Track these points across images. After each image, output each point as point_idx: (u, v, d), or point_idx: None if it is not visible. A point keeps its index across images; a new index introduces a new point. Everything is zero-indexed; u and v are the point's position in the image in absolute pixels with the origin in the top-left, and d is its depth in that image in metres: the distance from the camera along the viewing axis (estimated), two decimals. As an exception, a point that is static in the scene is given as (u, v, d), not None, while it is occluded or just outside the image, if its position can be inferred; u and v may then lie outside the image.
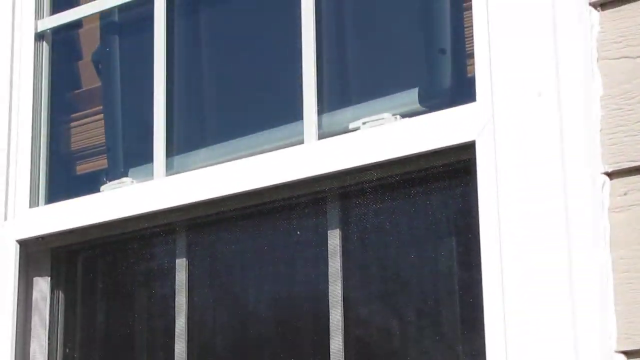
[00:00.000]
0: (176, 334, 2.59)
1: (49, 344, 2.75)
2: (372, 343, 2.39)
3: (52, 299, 2.79)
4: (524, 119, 2.05)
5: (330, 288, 2.38)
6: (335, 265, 2.39)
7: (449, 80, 2.40)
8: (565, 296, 1.94)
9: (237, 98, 2.72)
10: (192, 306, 2.60)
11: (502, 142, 2.07)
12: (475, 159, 2.11)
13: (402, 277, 2.40)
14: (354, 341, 2.35)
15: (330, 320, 2.35)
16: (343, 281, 2.37)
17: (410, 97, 2.39)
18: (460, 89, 2.36)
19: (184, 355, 2.58)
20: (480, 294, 2.05)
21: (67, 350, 2.79)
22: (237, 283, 2.64)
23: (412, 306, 2.38)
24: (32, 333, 2.76)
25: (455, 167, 2.23)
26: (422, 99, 2.37)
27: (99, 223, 2.65)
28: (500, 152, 2.08)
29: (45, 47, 2.90)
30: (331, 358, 2.34)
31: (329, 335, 2.35)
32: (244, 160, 2.47)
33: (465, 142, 2.14)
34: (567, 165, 1.98)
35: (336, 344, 2.34)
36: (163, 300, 2.70)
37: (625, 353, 1.87)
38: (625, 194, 1.91)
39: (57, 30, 2.93)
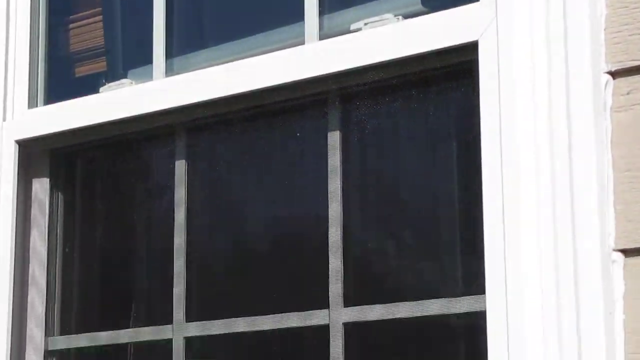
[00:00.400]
0: (175, 229, 2.60)
1: (48, 245, 2.75)
2: (368, 236, 2.41)
3: (51, 200, 2.79)
4: (526, 18, 2.04)
5: (330, 184, 2.38)
6: (334, 163, 2.38)
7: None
8: (565, 196, 1.94)
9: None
10: (191, 202, 2.61)
11: (504, 42, 2.06)
12: (477, 59, 2.10)
13: (401, 179, 2.40)
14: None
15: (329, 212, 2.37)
16: (342, 179, 2.37)
17: (412, -2, 2.37)
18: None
19: (183, 251, 2.59)
20: (480, 195, 2.06)
21: (67, 251, 2.80)
22: (236, 185, 2.64)
23: (411, 209, 2.38)
24: (31, 234, 2.77)
25: (457, 69, 2.22)
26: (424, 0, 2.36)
27: (98, 124, 2.64)
28: (502, 53, 2.06)
29: (43, -54, 2.87)
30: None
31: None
32: (244, 61, 2.44)
33: (468, 42, 2.13)
34: (570, 64, 1.96)
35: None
36: (161, 201, 2.71)
37: (624, 251, 1.87)
38: (628, 94, 1.90)
39: None
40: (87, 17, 3.01)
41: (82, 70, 3.02)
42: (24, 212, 2.76)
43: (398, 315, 2.26)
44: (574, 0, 1.97)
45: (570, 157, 1.94)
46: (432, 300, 2.21)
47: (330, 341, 2.32)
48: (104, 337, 2.67)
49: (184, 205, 2.61)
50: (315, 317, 2.36)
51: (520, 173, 2.01)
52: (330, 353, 2.32)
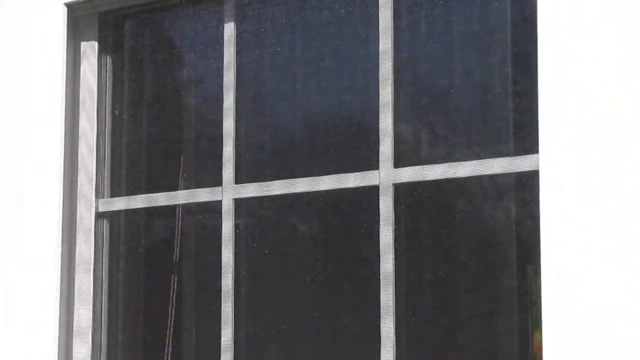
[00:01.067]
0: (224, 89, 2.61)
1: (97, 107, 2.76)
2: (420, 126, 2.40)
3: (99, 61, 2.78)
4: None
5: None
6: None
7: None
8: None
9: None
10: (240, 63, 2.60)
11: None
12: None
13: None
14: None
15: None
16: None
17: None
18: None
19: (232, 130, 2.60)
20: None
21: (116, 113, 2.81)
22: (287, 45, 2.62)
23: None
24: (80, 93, 2.77)
25: None
26: None
27: (146, -13, 2.64)
28: None
29: None
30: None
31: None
32: None
33: None
34: None
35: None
36: (209, 62, 2.71)
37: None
38: None
39: None
40: None
41: None
42: (74, 71, 2.76)
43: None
44: None
45: None
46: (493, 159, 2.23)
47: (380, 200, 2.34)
48: (157, 199, 2.69)
49: (233, 66, 2.60)
50: (368, 178, 2.38)
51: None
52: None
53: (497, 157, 2.23)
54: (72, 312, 2.70)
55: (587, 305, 1.95)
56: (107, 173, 2.77)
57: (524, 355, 2.20)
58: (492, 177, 2.24)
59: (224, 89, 2.62)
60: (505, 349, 2.25)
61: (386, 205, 2.34)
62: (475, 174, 2.24)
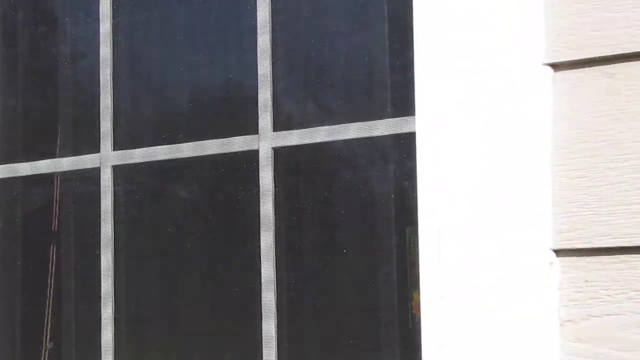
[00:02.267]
0: (101, 83, 2.59)
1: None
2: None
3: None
4: None
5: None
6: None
7: None
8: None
9: None
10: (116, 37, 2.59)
11: None
12: None
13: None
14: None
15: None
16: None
17: None
18: None
19: (110, 103, 2.58)
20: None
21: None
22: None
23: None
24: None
25: None
26: None
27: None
28: None
29: None
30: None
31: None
32: None
33: None
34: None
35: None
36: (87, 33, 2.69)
37: (553, 65, 1.91)
38: None
39: None
40: None
41: None
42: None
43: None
44: None
45: None
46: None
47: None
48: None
49: (109, 39, 2.58)
50: (248, 142, 2.38)
51: None
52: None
53: (376, 119, 2.26)
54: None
55: (465, 266, 2.00)
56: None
57: (404, 313, 2.24)
58: (372, 139, 2.27)
59: (101, 62, 2.58)
60: (386, 308, 2.29)
61: (266, 171, 2.36)
62: (357, 136, 2.27)
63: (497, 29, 1.98)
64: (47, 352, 2.66)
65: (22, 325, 2.76)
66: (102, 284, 2.50)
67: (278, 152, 2.35)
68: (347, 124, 2.26)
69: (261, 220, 2.32)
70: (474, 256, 1.98)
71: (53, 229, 2.69)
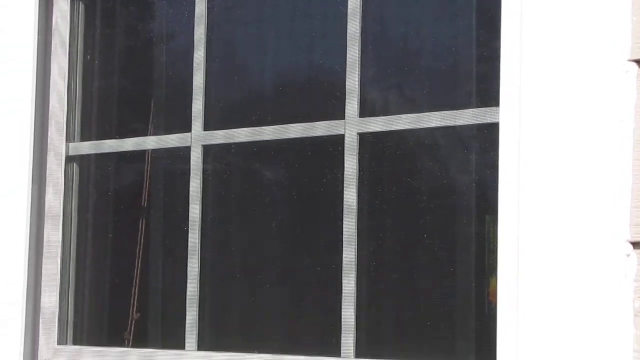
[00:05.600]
0: (194, 61, 2.66)
1: (69, 55, 2.79)
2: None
3: (71, 9, 2.81)
4: None
5: None
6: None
7: None
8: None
9: None
10: (213, 17, 2.65)
11: None
12: None
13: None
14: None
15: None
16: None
17: None
18: None
19: (202, 83, 2.64)
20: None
21: (88, 58, 2.85)
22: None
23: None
24: (52, 46, 2.80)
25: None
26: None
27: None
28: None
29: None
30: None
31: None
32: None
33: None
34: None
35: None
36: (182, 15, 2.74)
37: (638, 62, 1.92)
38: None
39: None
40: None
41: None
42: (46, 21, 2.78)
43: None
44: None
45: None
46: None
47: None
48: (126, 144, 2.74)
49: (204, 20, 2.64)
50: (334, 127, 2.43)
51: None
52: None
53: (460, 109, 2.29)
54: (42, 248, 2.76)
55: (542, 255, 2.02)
56: (77, 120, 2.81)
57: (481, 299, 2.27)
58: (455, 128, 2.30)
59: (195, 43, 2.65)
60: (464, 294, 2.32)
61: (351, 157, 2.40)
62: (440, 124, 2.30)
63: (585, 25, 2.00)
64: (133, 323, 2.74)
65: (110, 296, 2.84)
66: (188, 261, 2.57)
67: (363, 137, 2.39)
68: (431, 113, 2.30)
69: (344, 205, 2.37)
70: (552, 246, 2.01)
71: (143, 204, 2.77)
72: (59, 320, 2.72)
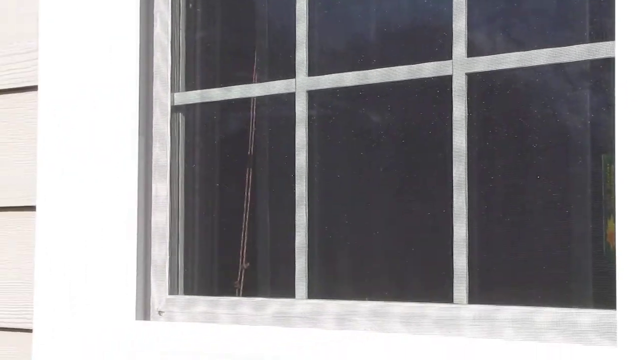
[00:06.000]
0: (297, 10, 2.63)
1: (171, 6, 2.79)
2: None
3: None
4: None
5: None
6: None
7: None
8: None
9: None
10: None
11: None
12: None
13: None
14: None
15: None
16: None
17: None
18: None
19: (305, 29, 2.60)
20: None
21: (190, 6, 2.83)
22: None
23: None
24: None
25: None
26: None
27: None
28: None
29: None
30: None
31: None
32: None
33: None
34: None
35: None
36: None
37: None
38: None
39: None
40: None
41: None
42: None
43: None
44: None
45: None
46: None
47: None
48: (231, 91, 2.73)
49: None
50: (442, 67, 2.37)
51: None
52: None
53: (572, 44, 2.21)
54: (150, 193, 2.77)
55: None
56: (182, 71, 2.81)
57: (598, 242, 2.21)
58: (567, 65, 2.22)
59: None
60: (580, 236, 2.26)
61: (460, 93, 2.34)
62: (549, 62, 2.22)
63: None
64: (242, 272, 2.74)
65: (219, 246, 2.85)
66: (296, 210, 2.55)
67: (471, 78, 2.33)
68: (540, 50, 2.22)
69: (453, 149, 2.32)
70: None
71: (249, 152, 2.76)
72: (170, 271, 2.73)
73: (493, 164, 2.36)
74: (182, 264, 2.76)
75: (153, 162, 2.74)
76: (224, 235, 2.83)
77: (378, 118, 2.58)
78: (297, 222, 2.55)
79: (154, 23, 2.75)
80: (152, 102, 2.75)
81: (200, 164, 2.81)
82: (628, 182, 1.98)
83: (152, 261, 2.72)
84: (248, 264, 2.74)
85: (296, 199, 2.55)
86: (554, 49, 2.20)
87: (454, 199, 2.31)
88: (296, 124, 2.56)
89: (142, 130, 2.72)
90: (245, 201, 2.74)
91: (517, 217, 2.34)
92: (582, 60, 2.17)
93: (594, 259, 2.23)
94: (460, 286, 2.30)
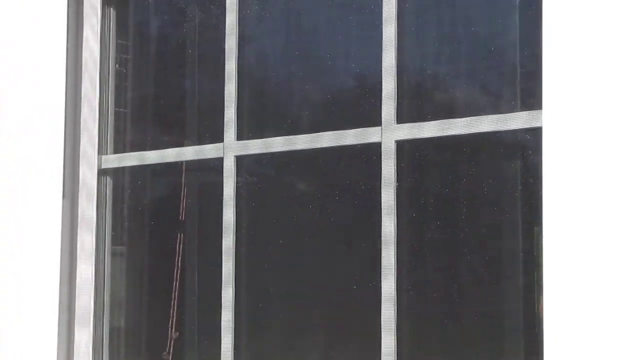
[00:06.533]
0: (226, 70, 2.56)
1: (100, 67, 2.73)
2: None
3: (102, 24, 2.74)
4: None
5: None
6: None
7: None
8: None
9: None
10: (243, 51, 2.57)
11: None
12: None
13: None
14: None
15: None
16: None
17: None
18: None
19: (234, 91, 2.55)
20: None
21: (117, 67, 2.77)
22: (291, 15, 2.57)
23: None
24: (82, 58, 2.73)
25: None
26: None
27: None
28: None
29: None
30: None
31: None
32: None
33: None
34: None
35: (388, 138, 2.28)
36: (213, 24, 2.65)
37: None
38: None
39: None
40: None
41: None
42: (76, 33, 2.73)
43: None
44: None
45: None
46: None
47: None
48: (160, 155, 2.66)
49: (235, 29, 2.54)
50: (369, 135, 2.31)
51: None
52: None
53: (498, 113, 2.17)
54: (75, 270, 2.70)
55: (591, 268, 1.89)
56: (110, 131, 2.75)
57: (530, 316, 2.13)
58: (495, 133, 2.17)
59: (226, 52, 2.56)
60: (511, 312, 2.18)
61: (388, 164, 2.28)
62: (474, 131, 2.17)
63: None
64: (172, 342, 2.65)
65: (147, 315, 2.77)
66: (222, 290, 2.50)
67: (400, 144, 2.27)
68: (481, 117, 2.17)
69: (382, 207, 2.25)
70: (602, 256, 1.88)
71: (180, 217, 2.69)
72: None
73: (422, 228, 2.28)
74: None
75: (78, 247, 2.69)
76: (154, 303, 2.75)
77: (304, 182, 2.51)
78: (224, 278, 2.50)
79: (82, 82, 2.71)
80: (79, 161, 2.71)
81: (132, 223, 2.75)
82: (556, 256, 1.93)
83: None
84: (177, 333, 2.65)
85: (222, 279, 2.51)
86: (493, 115, 2.15)
87: (382, 258, 2.25)
88: (224, 186, 2.50)
89: (68, 190, 2.66)
90: (175, 269, 2.66)
91: (448, 293, 2.27)
92: (510, 130, 2.12)
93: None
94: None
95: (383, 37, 2.30)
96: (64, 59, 2.67)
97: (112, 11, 2.75)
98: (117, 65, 2.76)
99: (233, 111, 2.53)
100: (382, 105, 2.30)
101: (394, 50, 2.28)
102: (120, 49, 2.76)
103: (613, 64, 1.89)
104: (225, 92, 2.55)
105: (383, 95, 2.30)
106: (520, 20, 2.20)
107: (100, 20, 2.72)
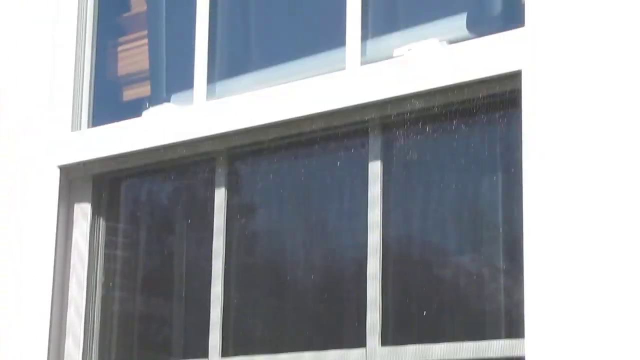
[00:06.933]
0: (213, 255, 2.55)
1: (87, 273, 2.71)
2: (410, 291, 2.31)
3: (92, 225, 2.74)
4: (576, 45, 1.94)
5: (370, 215, 2.30)
6: (375, 191, 2.30)
7: (499, 4, 2.26)
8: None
9: (279, 24, 2.61)
10: (230, 231, 2.54)
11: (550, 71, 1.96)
12: (520, 89, 2.00)
13: (443, 207, 2.30)
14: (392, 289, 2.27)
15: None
16: (383, 209, 2.28)
17: (458, 22, 2.27)
18: (510, 14, 2.22)
19: (220, 295, 2.52)
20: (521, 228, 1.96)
21: (105, 280, 2.75)
22: (276, 214, 2.56)
23: (452, 235, 2.28)
24: (71, 261, 2.72)
25: (500, 98, 2.11)
26: (470, 25, 2.25)
27: (140, 150, 2.59)
28: (548, 82, 1.97)
29: (91, -32, 2.83)
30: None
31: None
32: (284, 86, 2.37)
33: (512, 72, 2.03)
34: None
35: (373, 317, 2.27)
36: (200, 231, 2.64)
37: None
38: None
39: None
40: (134, 40, 2.96)
41: (129, 94, 2.97)
42: (65, 236, 2.72)
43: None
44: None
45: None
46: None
47: None
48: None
49: (222, 235, 2.54)
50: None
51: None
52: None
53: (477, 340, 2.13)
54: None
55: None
56: (96, 340, 2.71)
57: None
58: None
59: (213, 255, 2.54)
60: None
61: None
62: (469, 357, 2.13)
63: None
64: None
65: None
66: None
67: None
68: (462, 343, 2.13)
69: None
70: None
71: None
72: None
73: None
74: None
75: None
76: None
77: None
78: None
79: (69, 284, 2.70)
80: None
81: None
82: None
83: None
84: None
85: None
86: (475, 342, 2.11)
87: None
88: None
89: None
90: None
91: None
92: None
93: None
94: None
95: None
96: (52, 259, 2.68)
97: (102, 218, 2.77)
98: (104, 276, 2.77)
99: (218, 334, 2.51)
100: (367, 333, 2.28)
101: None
102: (110, 255, 2.76)
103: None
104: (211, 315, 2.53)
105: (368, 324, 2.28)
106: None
107: (90, 222, 2.72)
